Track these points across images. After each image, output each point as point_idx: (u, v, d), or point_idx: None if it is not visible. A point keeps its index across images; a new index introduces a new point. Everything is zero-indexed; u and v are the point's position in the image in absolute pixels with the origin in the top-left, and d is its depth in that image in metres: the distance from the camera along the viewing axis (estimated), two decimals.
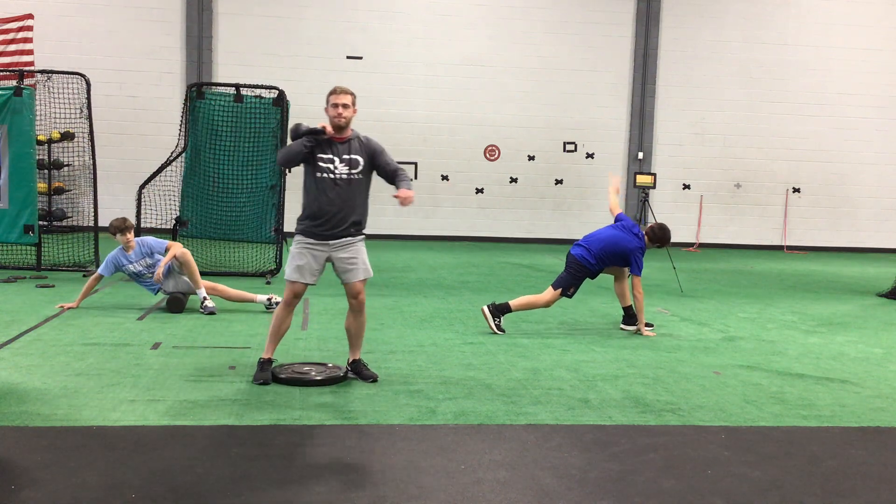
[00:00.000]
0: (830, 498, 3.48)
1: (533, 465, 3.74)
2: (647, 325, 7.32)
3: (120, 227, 7.37)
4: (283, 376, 5.03)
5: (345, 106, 4.91)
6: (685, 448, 4.05)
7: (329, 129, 4.93)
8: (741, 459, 3.90)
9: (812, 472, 3.79)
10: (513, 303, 7.14)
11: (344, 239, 5.00)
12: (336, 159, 4.92)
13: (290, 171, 4.77)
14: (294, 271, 5.01)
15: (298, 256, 5.01)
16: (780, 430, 4.43)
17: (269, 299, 7.64)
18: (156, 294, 7.69)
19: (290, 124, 5.01)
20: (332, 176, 4.91)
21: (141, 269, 7.47)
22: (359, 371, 5.19)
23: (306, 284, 5.03)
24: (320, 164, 4.91)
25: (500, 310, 7.06)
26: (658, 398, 4.96)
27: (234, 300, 7.65)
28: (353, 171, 4.95)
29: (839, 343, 7.02)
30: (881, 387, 5.48)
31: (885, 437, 4.39)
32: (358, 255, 5.04)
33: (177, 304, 7.43)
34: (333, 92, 4.96)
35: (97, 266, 7.68)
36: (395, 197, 4.89)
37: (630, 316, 7.30)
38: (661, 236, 7.23)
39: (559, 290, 7.15)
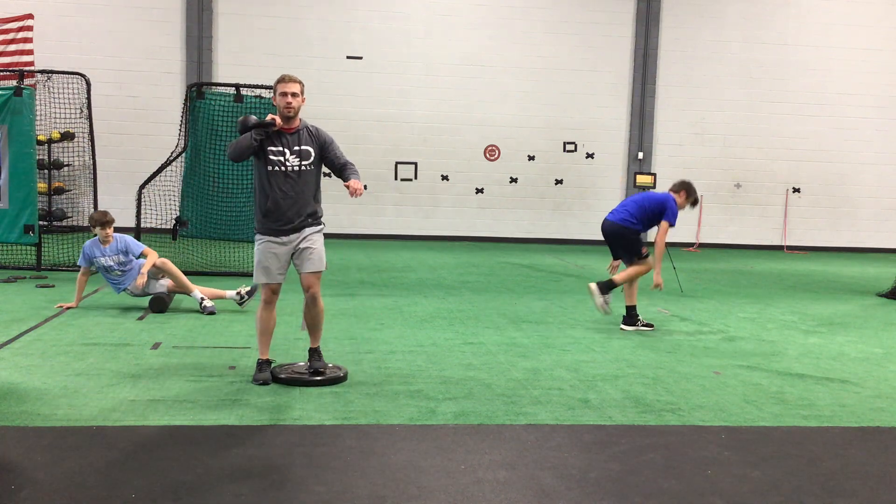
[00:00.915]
0: (830, 498, 3.48)
1: (533, 465, 3.74)
2: (647, 325, 7.31)
3: (101, 220, 7.37)
4: (282, 376, 5.03)
5: (293, 95, 4.83)
6: (685, 448, 4.05)
7: (278, 120, 4.85)
8: (741, 459, 3.90)
9: (812, 472, 3.79)
10: (616, 278, 7.23)
11: (303, 231, 4.97)
12: (287, 151, 4.86)
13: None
14: (262, 274, 5.01)
15: (262, 257, 4.99)
16: (780, 430, 4.42)
17: (237, 293, 7.63)
18: (118, 293, 7.66)
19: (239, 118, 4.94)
20: (283, 168, 4.85)
21: (112, 264, 7.44)
22: (311, 358, 5.14)
23: (272, 283, 5.02)
24: (271, 156, 4.85)
25: (607, 286, 7.15)
26: (658, 398, 4.96)
27: (207, 298, 7.65)
28: (305, 162, 4.89)
29: (839, 343, 7.02)
30: (881, 387, 5.48)
31: (885, 437, 4.39)
32: (314, 246, 4.99)
33: (159, 303, 7.43)
34: (281, 80, 4.86)
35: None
36: (346, 187, 4.81)
37: (631, 316, 7.29)
38: (688, 184, 7.29)
39: (637, 258, 7.22)
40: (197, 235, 10.75)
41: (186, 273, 7.97)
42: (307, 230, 4.98)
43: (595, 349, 6.40)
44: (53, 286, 8.78)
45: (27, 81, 11.11)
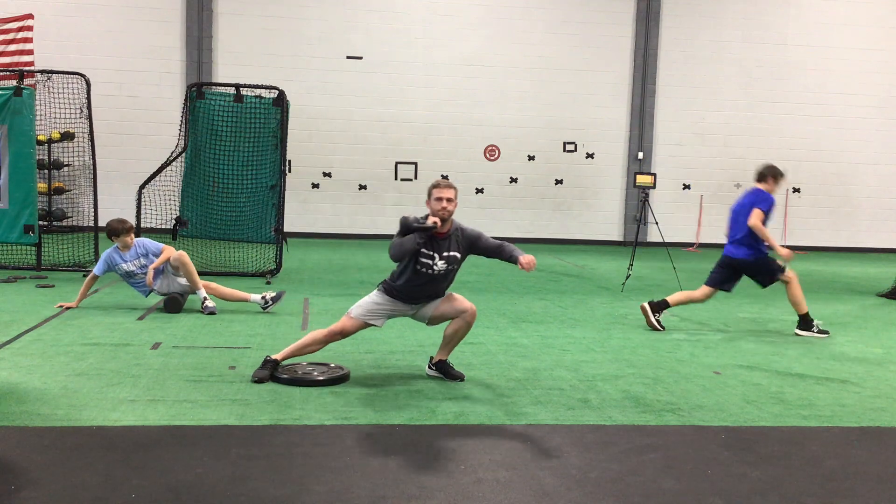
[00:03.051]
0: (830, 498, 3.48)
1: (533, 465, 3.74)
2: (822, 331, 7.32)
3: (118, 229, 7.34)
4: (284, 376, 5.03)
5: (449, 200, 4.99)
6: (685, 448, 4.05)
7: (439, 223, 4.98)
8: (741, 459, 3.90)
9: (812, 472, 3.79)
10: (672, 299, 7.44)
11: (428, 303, 5.20)
12: (436, 255, 5.01)
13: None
14: (364, 311, 5.13)
15: (377, 306, 5.13)
16: (780, 430, 4.42)
17: (263, 297, 7.62)
18: (146, 296, 7.67)
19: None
20: (431, 272, 5.02)
21: (134, 269, 7.45)
22: (445, 371, 5.28)
23: (367, 325, 5.16)
24: (421, 258, 5.00)
25: (659, 306, 7.33)
26: (658, 398, 4.96)
27: (228, 299, 7.64)
28: (451, 266, 5.08)
29: (839, 343, 7.02)
30: (881, 387, 5.48)
31: (885, 437, 4.39)
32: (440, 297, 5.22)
33: (174, 304, 7.43)
34: (437, 186, 5.05)
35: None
36: (521, 267, 4.90)
37: (806, 322, 7.30)
38: (770, 168, 7.36)
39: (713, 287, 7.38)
40: (197, 235, 10.74)
41: None
42: (433, 300, 5.21)
43: (595, 349, 6.40)
44: (53, 286, 8.78)
45: (27, 81, 11.10)
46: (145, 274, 7.44)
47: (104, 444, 3.83)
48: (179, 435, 3.99)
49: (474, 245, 5.13)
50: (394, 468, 3.63)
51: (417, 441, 4.01)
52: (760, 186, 7.33)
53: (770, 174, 7.33)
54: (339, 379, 5.07)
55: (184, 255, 7.47)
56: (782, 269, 7.24)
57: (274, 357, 5.15)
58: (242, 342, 6.23)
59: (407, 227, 4.97)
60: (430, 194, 5.07)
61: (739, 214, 7.32)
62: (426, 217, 5.00)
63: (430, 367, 5.37)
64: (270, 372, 5.07)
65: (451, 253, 5.04)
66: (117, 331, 6.51)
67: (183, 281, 7.51)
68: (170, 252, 7.46)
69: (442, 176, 17.47)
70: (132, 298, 8.01)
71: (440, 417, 4.41)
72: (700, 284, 7.59)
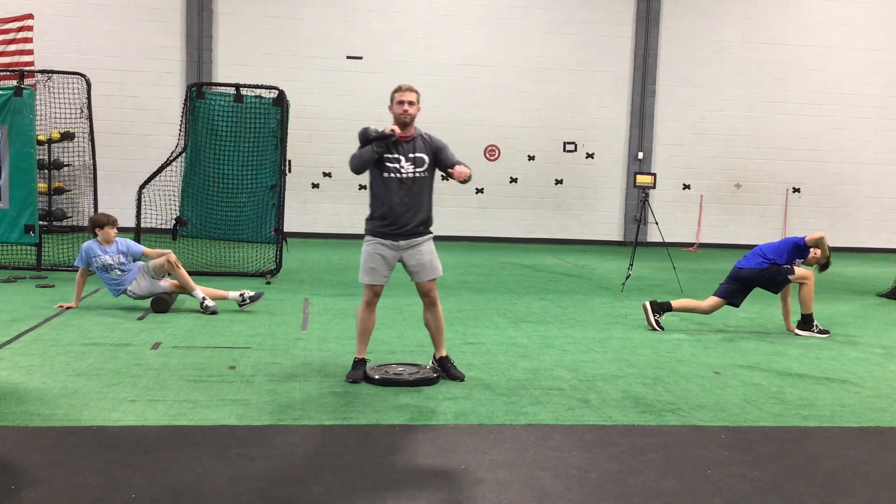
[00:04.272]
0: (830, 498, 3.48)
1: (533, 465, 3.74)
2: (823, 331, 7.36)
3: (103, 221, 7.39)
4: (376, 377, 5.05)
5: (410, 103, 4.98)
6: (685, 448, 4.05)
7: (398, 130, 4.95)
8: (741, 459, 3.90)
9: (812, 472, 3.79)
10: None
11: (413, 239, 5.09)
12: (402, 158, 4.98)
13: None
14: (367, 274, 5.12)
15: (370, 258, 5.10)
16: (780, 430, 4.43)
17: (241, 295, 7.62)
18: (116, 296, 7.61)
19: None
20: (398, 175, 4.97)
21: (112, 262, 7.43)
22: (446, 369, 5.27)
23: (376, 284, 5.13)
24: (387, 164, 4.97)
25: (661, 308, 7.34)
26: (658, 398, 4.96)
27: (209, 298, 7.63)
28: (419, 170, 5.01)
29: (839, 343, 7.03)
30: (881, 387, 5.48)
31: (885, 437, 4.39)
32: (427, 256, 5.12)
33: (161, 304, 7.43)
34: (398, 89, 5.02)
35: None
36: (450, 173, 4.94)
37: (807, 322, 7.33)
38: (821, 241, 7.35)
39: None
40: (197, 235, 10.74)
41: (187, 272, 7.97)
42: (418, 238, 5.10)
43: (595, 349, 6.40)
44: (53, 286, 8.78)
45: (27, 81, 11.10)
46: (122, 271, 7.43)
47: (104, 444, 3.83)
48: (179, 435, 3.99)
49: (439, 153, 5.06)
50: (394, 468, 3.63)
51: (417, 441, 4.01)
52: (804, 242, 7.34)
53: (819, 246, 7.33)
54: (429, 381, 5.07)
55: (171, 255, 7.46)
56: (791, 271, 7.23)
57: (358, 356, 5.21)
58: (242, 342, 6.24)
59: (366, 137, 4.95)
60: (392, 99, 5.02)
61: (772, 244, 7.41)
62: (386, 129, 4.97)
63: (432, 364, 5.38)
64: (363, 371, 5.12)
65: (417, 154, 5.00)
66: (117, 331, 6.51)
67: (163, 283, 7.50)
68: (172, 256, 7.47)
69: (442, 177, 17.46)
70: (116, 297, 7.99)
71: (440, 417, 4.41)
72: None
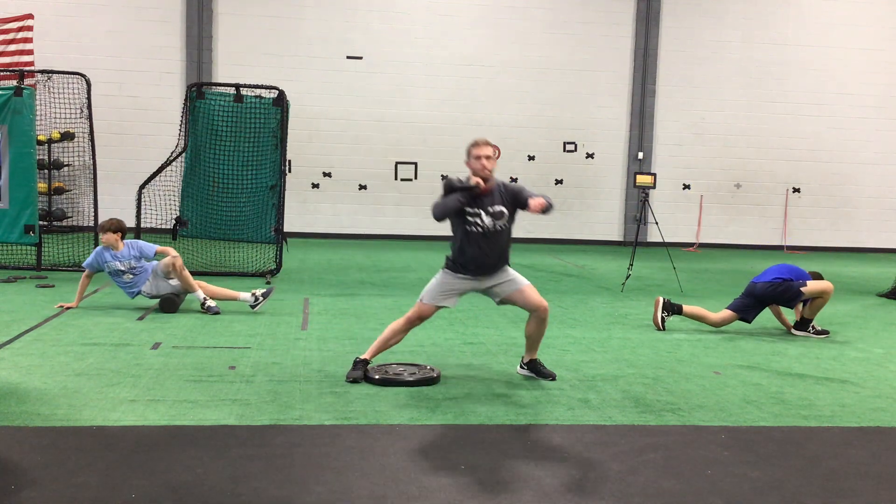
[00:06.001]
0: (830, 498, 3.48)
1: (533, 465, 3.74)
2: (821, 332, 7.37)
3: (104, 226, 7.38)
4: (376, 377, 5.06)
5: (488, 157, 5.02)
6: (685, 448, 4.05)
7: (482, 183, 4.99)
8: (741, 459, 3.90)
9: (812, 472, 3.79)
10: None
11: (495, 275, 5.23)
12: (482, 212, 5.05)
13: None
14: (431, 295, 5.19)
15: (446, 285, 5.19)
16: (780, 430, 4.43)
17: (252, 295, 7.60)
18: (132, 298, 7.62)
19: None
20: (480, 230, 5.06)
21: (123, 268, 7.43)
22: (537, 370, 5.36)
23: (437, 307, 5.20)
24: (468, 217, 5.05)
25: (672, 308, 7.30)
26: (658, 398, 4.96)
27: (219, 298, 7.63)
28: (499, 222, 5.11)
29: (839, 343, 7.03)
30: (881, 387, 5.48)
31: (885, 437, 4.39)
32: (509, 276, 5.25)
33: (170, 304, 7.42)
34: (475, 144, 5.07)
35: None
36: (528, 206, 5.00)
37: (804, 322, 7.34)
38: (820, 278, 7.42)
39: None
40: (197, 235, 10.74)
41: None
42: (499, 272, 5.24)
43: (595, 349, 6.40)
44: (53, 286, 8.78)
45: (27, 81, 11.10)
46: (135, 274, 7.44)
47: (104, 444, 3.83)
48: (179, 435, 3.99)
49: (518, 197, 5.12)
50: (394, 468, 3.63)
51: (417, 441, 4.01)
52: (810, 277, 7.35)
53: (819, 279, 7.38)
54: (429, 380, 5.08)
55: (178, 259, 7.44)
56: (803, 284, 7.19)
57: (363, 357, 5.22)
58: (242, 342, 6.23)
59: (451, 187, 5.03)
60: (468, 154, 5.09)
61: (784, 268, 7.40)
62: (468, 179, 5.04)
63: (521, 367, 5.46)
64: (363, 372, 5.12)
65: (497, 208, 5.07)
66: (117, 331, 6.51)
67: (173, 282, 7.50)
68: (169, 251, 7.46)
69: (442, 176, 17.47)
70: (134, 300, 8.00)
71: (440, 417, 4.41)
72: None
